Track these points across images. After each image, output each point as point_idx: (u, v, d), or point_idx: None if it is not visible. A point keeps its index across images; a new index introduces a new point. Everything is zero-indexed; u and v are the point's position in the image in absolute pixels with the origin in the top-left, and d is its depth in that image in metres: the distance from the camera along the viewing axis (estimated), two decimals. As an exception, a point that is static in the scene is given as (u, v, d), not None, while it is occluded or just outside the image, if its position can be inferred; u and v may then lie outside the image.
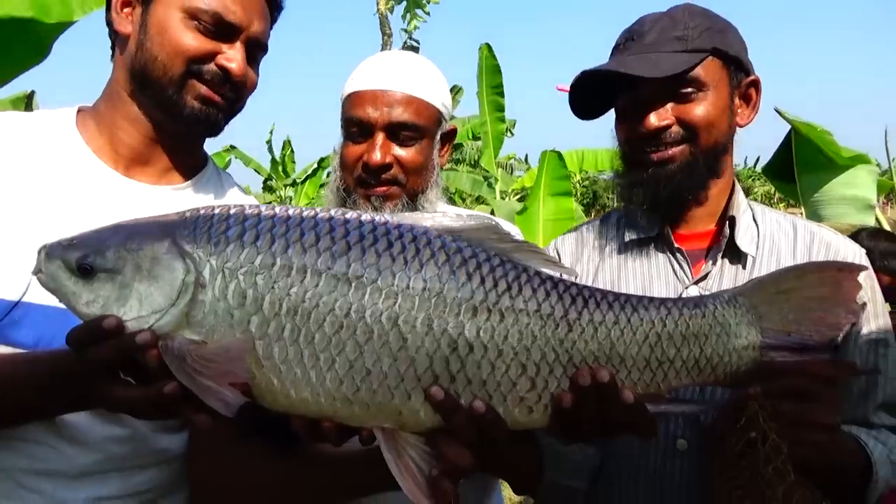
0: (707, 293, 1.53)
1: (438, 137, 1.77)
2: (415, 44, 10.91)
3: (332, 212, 1.12)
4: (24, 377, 1.24)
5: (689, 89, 1.53)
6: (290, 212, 1.11)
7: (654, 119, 1.53)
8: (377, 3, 10.14)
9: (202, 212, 1.11)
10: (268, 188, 24.36)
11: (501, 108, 11.39)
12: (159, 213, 1.38)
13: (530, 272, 1.14)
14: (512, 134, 13.03)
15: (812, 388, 1.22)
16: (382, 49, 9.52)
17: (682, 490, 1.50)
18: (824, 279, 1.22)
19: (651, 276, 1.62)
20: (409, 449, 1.09)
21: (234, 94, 1.51)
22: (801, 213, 5.58)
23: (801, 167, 5.54)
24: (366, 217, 1.12)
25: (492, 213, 13.13)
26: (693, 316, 1.19)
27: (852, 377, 1.51)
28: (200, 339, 1.03)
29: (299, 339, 1.03)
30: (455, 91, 13.25)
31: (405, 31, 10.48)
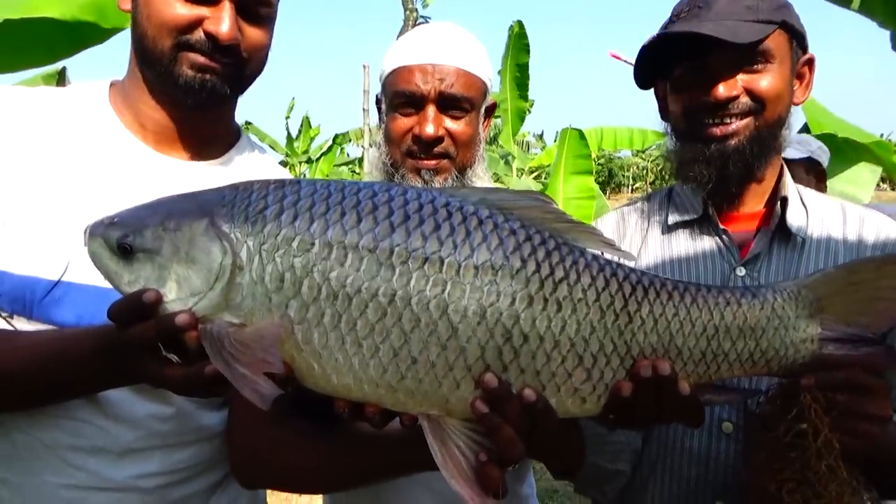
0: (756, 275, 1.51)
1: (483, 111, 1.77)
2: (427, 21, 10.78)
3: (377, 187, 1.07)
4: (70, 353, 1.22)
5: (759, 60, 1.49)
6: (332, 188, 1.05)
7: (723, 89, 1.48)
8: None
9: (241, 189, 1.07)
10: (283, 164, 24.39)
11: (525, 87, 11.26)
12: (195, 189, 1.36)
13: (588, 257, 1.09)
14: (529, 111, 12.90)
15: (866, 381, 1.19)
16: (404, 25, 9.43)
17: (728, 472, 1.48)
18: None
19: (696, 258, 1.58)
20: (455, 436, 1.05)
21: (233, 58, 1.43)
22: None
23: None
24: (412, 194, 1.06)
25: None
26: (751, 307, 1.14)
27: None
28: (240, 321, 1.00)
29: (340, 324, 0.99)
30: None
31: (423, 17, 10.33)
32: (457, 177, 1.69)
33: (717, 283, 1.54)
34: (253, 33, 1.45)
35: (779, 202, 1.55)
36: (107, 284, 1.07)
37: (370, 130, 10.63)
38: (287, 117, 24.46)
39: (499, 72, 11.34)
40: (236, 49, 1.43)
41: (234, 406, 1.44)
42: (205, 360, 0.98)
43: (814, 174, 3.47)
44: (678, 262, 1.60)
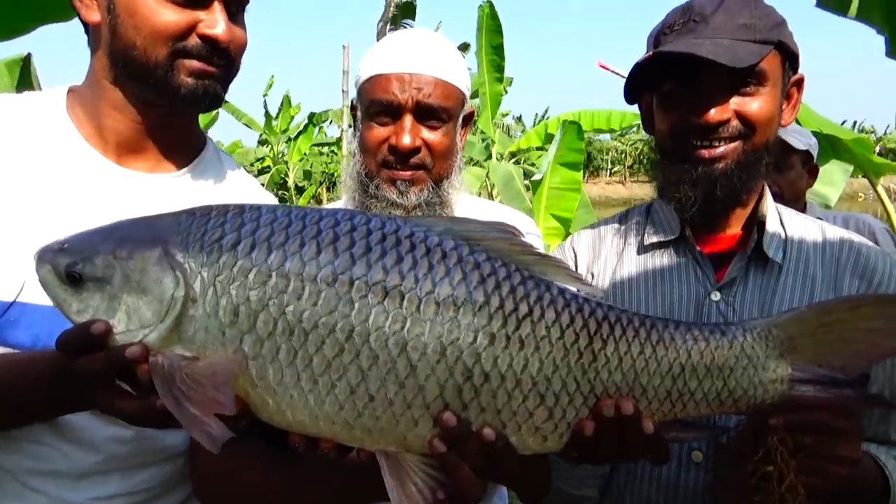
0: (731, 299, 1.48)
1: (461, 120, 1.74)
2: None
3: (339, 215, 1.03)
4: (23, 379, 1.19)
5: (752, 82, 1.44)
6: (293, 216, 1.02)
7: (715, 112, 1.43)
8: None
9: (198, 215, 1.02)
10: (263, 143, 24.16)
11: (501, 69, 11.19)
12: (157, 202, 1.30)
13: (553, 291, 1.06)
14: (506, 91, 12.86)
15: (836, 423, 1.16)
16: (386, 8, 9.29)
17: (696, 500, 1.46)
18: (883, 313, 1.15)
19: (672, 280, 1.55)
20: (413, 474, 1.02)
21: (225, 60, 1.41)
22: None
23: None
24: (375, 223, 1.03)
25: (487, 175, 13.02)
26: (720, 346, 1.11)
27: (883, 410, 1.45)
28: (192, 354, 0.96)
29: (296, 360, 0.96)
30: (463, 48, 12.98)
31: None
32: (433, 188, 1.67)
33: (691, 306, 1.51)
34: (238, 32, 1.43)
35: (756, 227, 1.51)
36: None
37: (349, 112, 10.52)
38: (265, 95, 24.15)
39: (475, 52, 11.28)
40: (230, 49, 1.40)
41: None
42: (156, 394, 0.95)
43: (807, 168, 3.48)
44: (653, 284, 1.56)
